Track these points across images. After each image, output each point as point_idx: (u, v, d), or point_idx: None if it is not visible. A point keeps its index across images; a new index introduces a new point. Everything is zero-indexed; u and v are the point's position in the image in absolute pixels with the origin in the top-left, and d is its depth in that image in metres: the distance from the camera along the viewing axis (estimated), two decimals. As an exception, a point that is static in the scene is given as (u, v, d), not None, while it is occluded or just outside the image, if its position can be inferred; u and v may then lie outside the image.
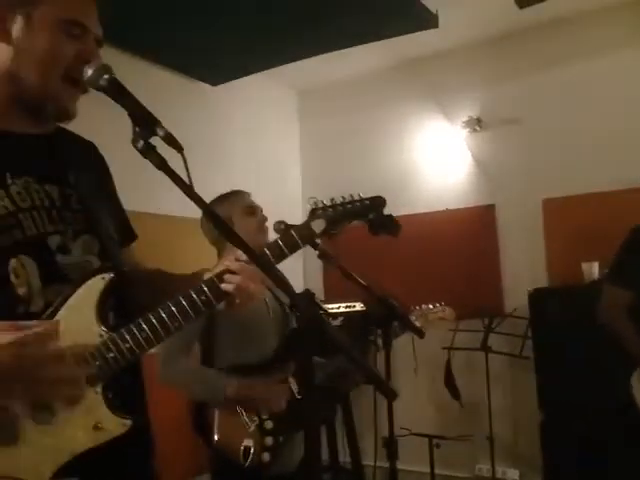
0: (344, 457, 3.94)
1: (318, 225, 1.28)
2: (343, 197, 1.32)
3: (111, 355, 1.07)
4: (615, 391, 2.74)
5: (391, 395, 0.98)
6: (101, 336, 1.08)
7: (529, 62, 4.16)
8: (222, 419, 2.04)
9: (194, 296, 1.13)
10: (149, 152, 1.17)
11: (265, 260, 1.20)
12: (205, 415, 2.06)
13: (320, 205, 1.29)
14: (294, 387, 2.14)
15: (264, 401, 2.06)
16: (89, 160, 1.34)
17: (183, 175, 1.14)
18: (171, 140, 1.19)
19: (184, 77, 4.00)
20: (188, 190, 1.19)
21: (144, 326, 1.09)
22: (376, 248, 3.85)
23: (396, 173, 4.57)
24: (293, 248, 1.26)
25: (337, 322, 4.18)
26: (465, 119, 4.31)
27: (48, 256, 1.13)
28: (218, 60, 3.84)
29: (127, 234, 1.40)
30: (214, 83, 4.15)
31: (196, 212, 1.19)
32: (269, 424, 2.07)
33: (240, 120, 4.40)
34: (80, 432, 1.03)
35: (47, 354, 0.94)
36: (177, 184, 1.19)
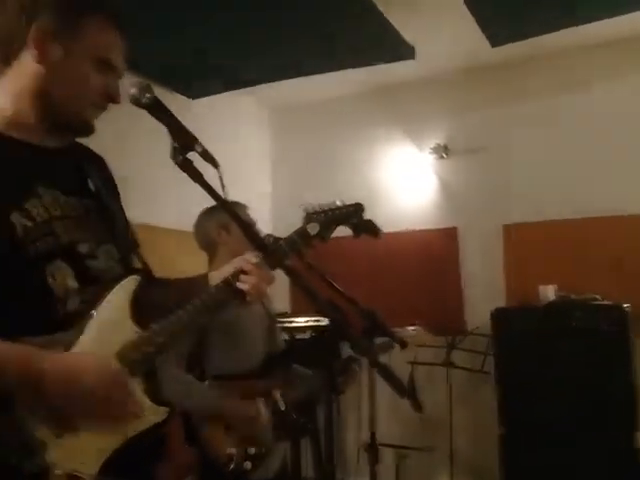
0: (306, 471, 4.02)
1: (312, 228, 1.39)
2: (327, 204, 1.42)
3: (150, 349, 1.16)
4: (568, 404, 2.95)
5: (418, 408, 1.08)
6: (136, 332, 1.17)
7: (497, 95, 4.41)
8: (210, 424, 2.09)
9: (215, 294, 1.26)
10: (187, 166, 1.28)
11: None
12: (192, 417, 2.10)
13: (311, 210, 1.40)
14: (279, 400, 2.20)
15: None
16: (103, 173, 1.41)
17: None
18: (207, 156, 1.30)
19: (163, 88, 4.04)
20: (223, 203, 1.30)
21: (175, 322, 1.19)
22: (342, 265, 3.97)
23: (364, 193, 4.64)
24: (293, 248, 1.36)
25: (306, 335, 4.27)
26: (433, 146, 4.53)
27: (80, 261, 1.21)
28: (200, 75, 3.92)
29: (135, 244, 1.46)
30: (193, 96, 4.22)
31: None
32: None
33: (214, 134, 4.46)
34: None
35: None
36: (213, 197, 1.30)
